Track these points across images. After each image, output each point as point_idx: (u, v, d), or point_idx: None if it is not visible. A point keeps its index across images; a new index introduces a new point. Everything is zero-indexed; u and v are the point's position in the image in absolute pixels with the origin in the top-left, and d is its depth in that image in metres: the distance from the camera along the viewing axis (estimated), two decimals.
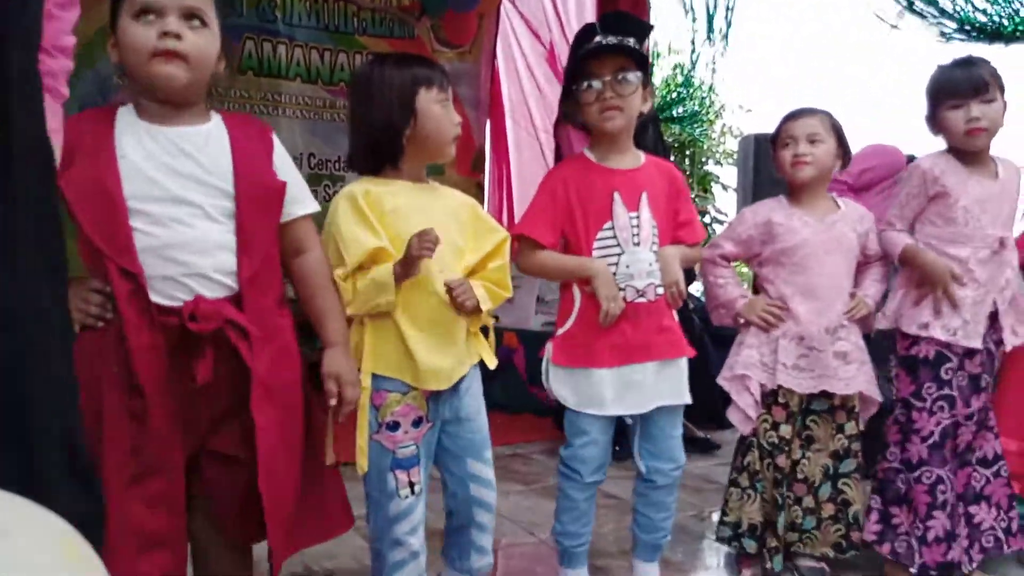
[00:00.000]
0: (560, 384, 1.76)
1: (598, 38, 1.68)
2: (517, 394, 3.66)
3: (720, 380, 2.00)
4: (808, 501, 1.98)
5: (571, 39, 4.53)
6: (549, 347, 1.78)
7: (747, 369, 1.93)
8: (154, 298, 1.21)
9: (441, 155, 1.58)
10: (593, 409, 1.72)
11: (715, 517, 2.45)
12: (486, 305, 1.54)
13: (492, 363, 1.63)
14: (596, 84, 1.67)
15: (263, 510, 1.29)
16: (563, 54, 4.54)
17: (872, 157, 2.84)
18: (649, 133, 2.92)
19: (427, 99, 1.50)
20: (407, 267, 1.43)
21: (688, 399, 1.78)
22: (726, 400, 1.99)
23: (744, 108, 7.58)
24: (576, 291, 1.75)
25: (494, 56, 4.70)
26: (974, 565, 1.95)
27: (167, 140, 1.26)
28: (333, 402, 1.39)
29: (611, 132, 1.72)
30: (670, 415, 1.79)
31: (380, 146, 1.53)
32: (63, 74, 1.03)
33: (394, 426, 1.51)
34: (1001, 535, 1.96)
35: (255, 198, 1.30)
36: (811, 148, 1.91)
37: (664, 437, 1.78)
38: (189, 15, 1.23)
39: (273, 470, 1.29)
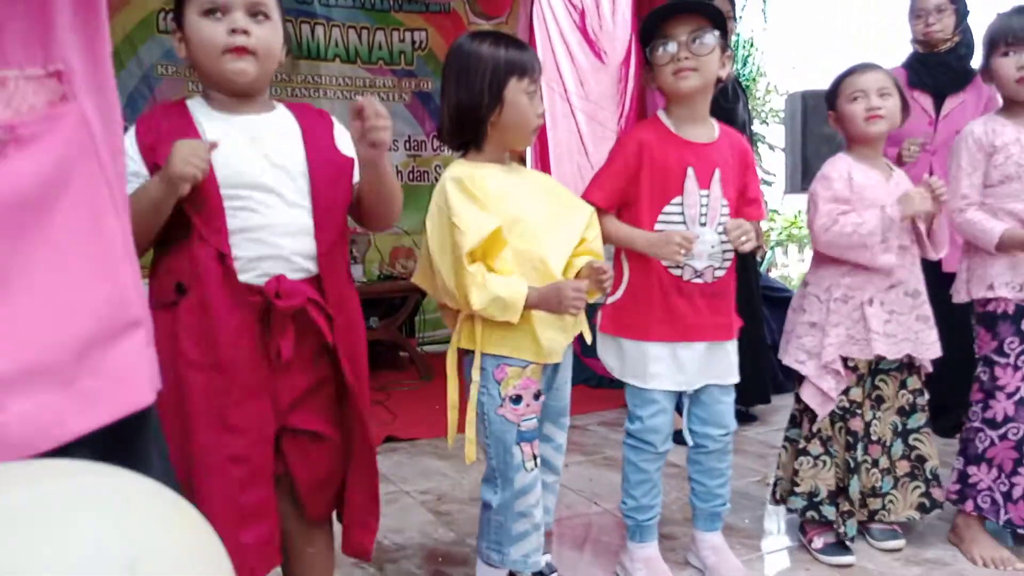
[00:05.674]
0: (607, 352, 1.77)
1: None
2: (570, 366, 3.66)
3: (806, 372, 1.90)
4: (884, 462, 1.95)
5: (602, 4, 4.49)
6: (599, 315, 1.78)
7: (841, 349, 1.85)
8: (241, 278, 1.24)
9: (522, 144, 1.61)
10: (637, 381, 1.72)
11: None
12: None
13: (589, 337, 1.65)
14: (671, 46, 1.61)
15: (342, 484, 1.37)
16: (594, 20, 4.45)
17: None
18: (740, 103, 2.87)
19: (516, 89, 1.50)
20: (542, 307, 1.49)
21: (736, 379, 1.77)
22: (782, 374, 1.96)
23: (791, 66, 7.36)
24: (624, 262, 1.73)
25: (531, 25, 4.64)
26: None
27: (242, 127, 1.29)
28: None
29: (685, 92, 1.65)
30: (720, 386, 1.78)
31: (464, 127, 1.54)
32: None
33: (517, 399, 1.55)
34: None
35: (327, 177, 1.33)
36: (883, 102, 1.86)
37: (713, 402, 1.77)
38: (253, 9, 1.25)
39: (365, 446, 1.36)
